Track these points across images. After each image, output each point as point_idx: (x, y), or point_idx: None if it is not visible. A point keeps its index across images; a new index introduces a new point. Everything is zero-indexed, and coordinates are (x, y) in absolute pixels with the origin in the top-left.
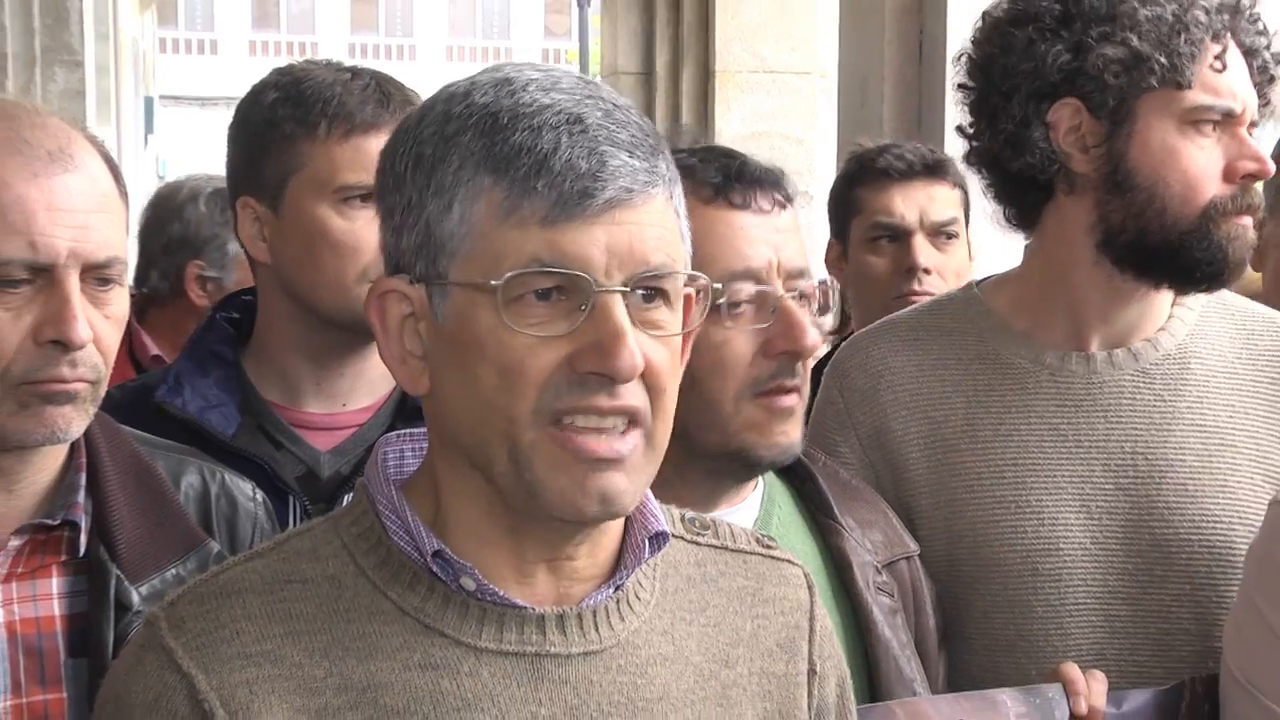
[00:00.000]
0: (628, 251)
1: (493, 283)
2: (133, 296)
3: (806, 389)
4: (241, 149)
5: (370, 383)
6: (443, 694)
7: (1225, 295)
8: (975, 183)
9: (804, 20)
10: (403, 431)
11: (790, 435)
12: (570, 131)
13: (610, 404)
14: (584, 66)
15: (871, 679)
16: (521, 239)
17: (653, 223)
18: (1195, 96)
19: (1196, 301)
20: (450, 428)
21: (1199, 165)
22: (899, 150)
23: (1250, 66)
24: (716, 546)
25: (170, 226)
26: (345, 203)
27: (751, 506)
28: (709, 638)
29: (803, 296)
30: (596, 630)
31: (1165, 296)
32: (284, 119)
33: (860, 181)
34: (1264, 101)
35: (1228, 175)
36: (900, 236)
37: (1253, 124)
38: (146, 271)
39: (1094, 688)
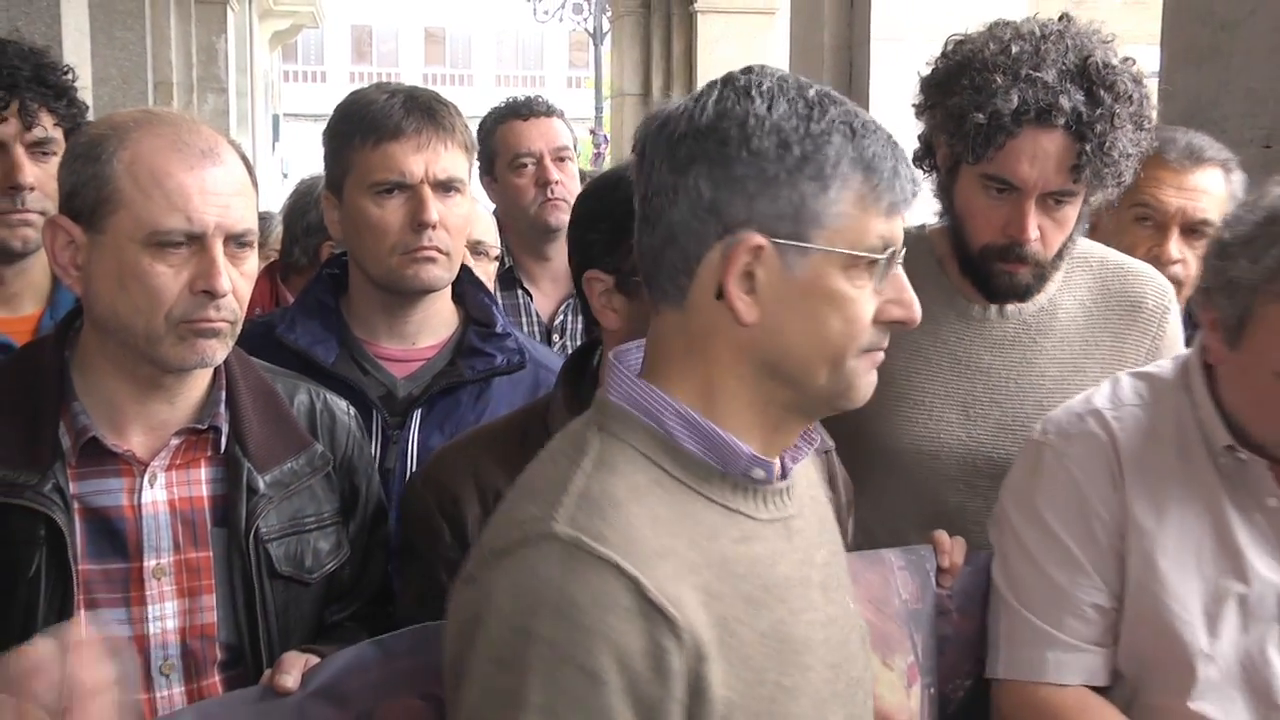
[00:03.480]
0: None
1: (877, 258)
2: (275, 264)
3: None
4: (324, 158)
5: (434, 326)
6: (757, 557)
7: (1090, 248)
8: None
9: (764, 55)
10: (618, 367)
11: None
12: (892, 145)
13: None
14: (598, 90)
15: None
16: (873, 224)
17: None
18: (982, 169)
19: (1066, 262)
20: (768, 350)
21: (982, 215)
22: None
23: (1071, 151)
24: None
25: (309, 214)
26: (378, 195)
27: None
28: (815, 485)
29: None
30: (794, 497)
31: None
32: (339, 134)
33: None
34: (1076, 179)
35: (1003, 230)
36: None
37: (1057, 194)
38: (291, 247)
39: (955, 549)
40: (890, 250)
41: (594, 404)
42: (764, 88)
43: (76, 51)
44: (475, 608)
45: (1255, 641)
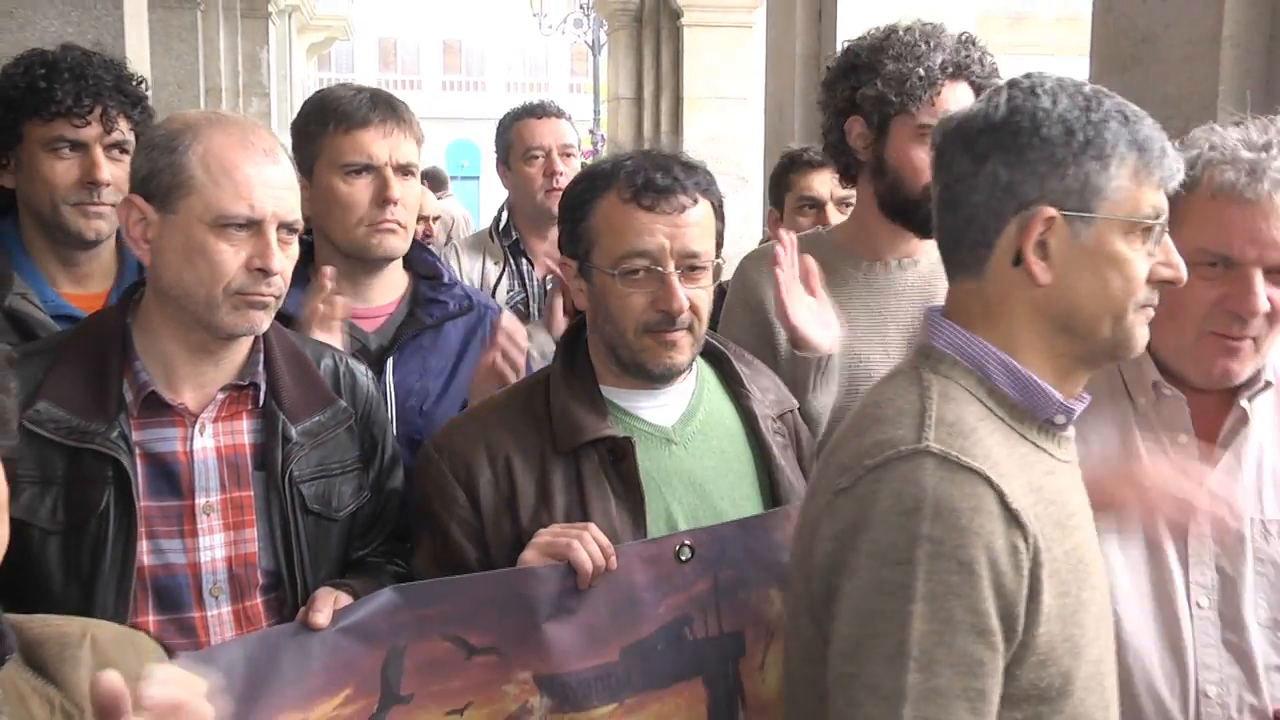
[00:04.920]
0: None
1: (1153, 223)
2: None
3: (701, 326)
4: (293, 146)
5: (390, 286)
6: (1059, 489)
7: None
8: None
9: (743, 64)
10: (942, 320)
11: (674, 358)
12: (1159, 130)
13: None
14: (596, 95)
15: (773, 491)
16: (1146, 195)
17: None
18: (920, 118)
19: None
20: (1061, 307)
21: (920, 159)
22: (814, 151)
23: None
24: None
25: None
26: (348, 175)
27: (688, 383)
28: None
29: (693, 269)
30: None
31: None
32: (311, 122)
33: (791, 170)
34: None
35: None
36: (818, 205)
37: None
38: None
39: None
40: (1162, 217)
41: (917, 351)
42: (1046, 86)
43: (138, 62)
44: (855, 513)
45: (1158, 567)
